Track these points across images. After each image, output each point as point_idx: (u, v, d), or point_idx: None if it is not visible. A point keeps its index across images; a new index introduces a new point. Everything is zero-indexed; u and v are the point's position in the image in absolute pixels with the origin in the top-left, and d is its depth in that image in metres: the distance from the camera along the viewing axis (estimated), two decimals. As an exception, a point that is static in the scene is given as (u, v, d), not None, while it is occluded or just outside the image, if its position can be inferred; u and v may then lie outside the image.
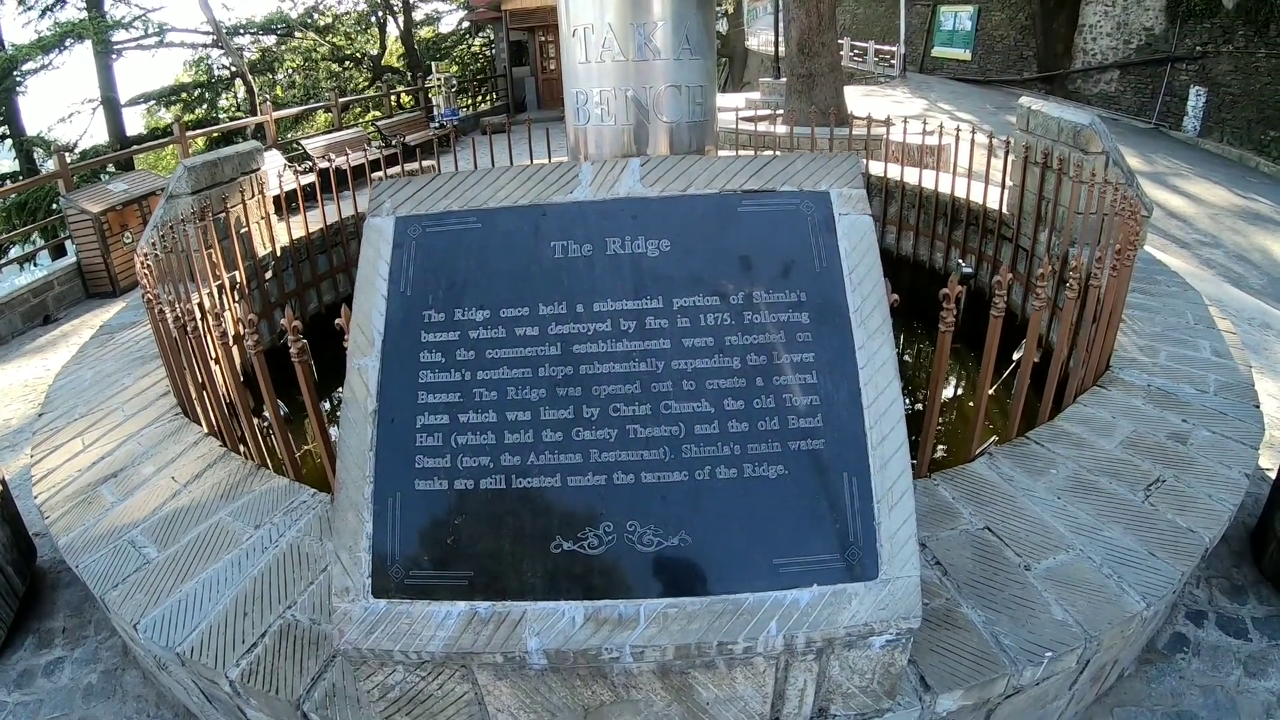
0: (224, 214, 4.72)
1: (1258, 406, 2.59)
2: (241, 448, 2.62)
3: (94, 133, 19.66)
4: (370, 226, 1.40)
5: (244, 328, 2.44)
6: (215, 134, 15.74)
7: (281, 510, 2.14)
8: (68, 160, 7.76)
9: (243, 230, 4.94)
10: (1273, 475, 2.70)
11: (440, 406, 1.29)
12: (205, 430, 2.74)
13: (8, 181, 17.45)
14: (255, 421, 2.53)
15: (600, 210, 1.44)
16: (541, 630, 1.16)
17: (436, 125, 13.53)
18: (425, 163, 6.91)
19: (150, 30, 19.28)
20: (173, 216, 4.41)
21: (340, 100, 13.61)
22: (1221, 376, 2.79)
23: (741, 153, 6.87)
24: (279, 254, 5.21)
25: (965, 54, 23.82)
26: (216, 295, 4.00)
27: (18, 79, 16.44)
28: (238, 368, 2.70)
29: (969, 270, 5.16)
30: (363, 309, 1.35)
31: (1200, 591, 2.44)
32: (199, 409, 2.80)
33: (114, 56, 18.83)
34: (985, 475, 2.10)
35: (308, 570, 1.89)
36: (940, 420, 4.38)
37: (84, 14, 18.57)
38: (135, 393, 3.23)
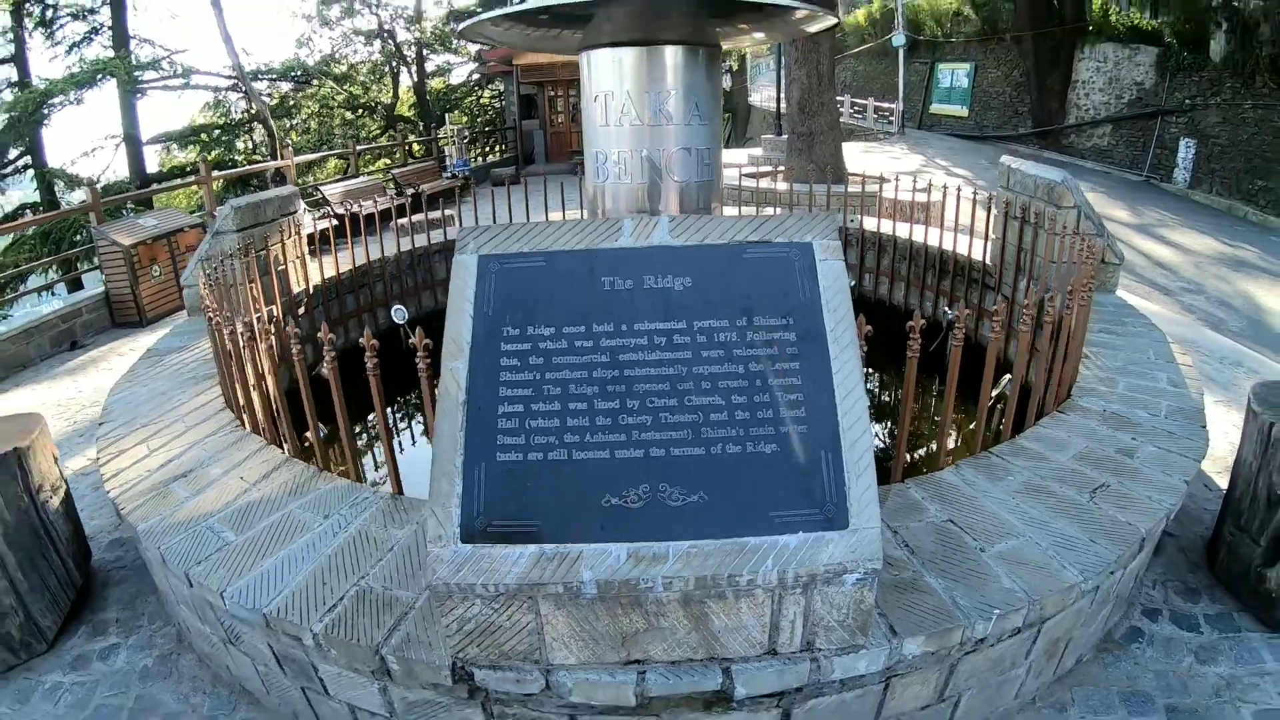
0: (265, 252, 5.19)
1: (1204, 427, 2.98)
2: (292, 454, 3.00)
3: (115, 168, 20.39)
4: (458, 263, 1.85)
5: (295, 346, 2.85)
6: (235, 176, 16.39)
7: (347, 504, 2.52)
8: (88, 195, 8.30)
9: (280, 268, 5.39)
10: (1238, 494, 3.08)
11: (517, 399, 1.71)
12: (266, 440, 3.12)
13: (28, 212, 18.05)
14: (311, 433, 2.93)
15: (639, 255, 1.90)
16: (594, 565, 1.55)
17: (449, 175, 14.16)
18: (447, 211, 7.41)
19: (177, 72, 20.11)
20: (218, 251, 4.88)
21: (357, 149, 14.27)
22: (1174, 403, 3.19)
23: (744, 208, 7.38)
24: (310, 292, 5.66)
25: (962, 110, 24.71)
26: (268, 321, 4.44)
27: (45, 112, 17.07)
28: (277, 388, 3.10)
29: (953, 315, 5.61)
30: (454, 325, 1.78)
31: (1156, 592, 2.80)
32: (256, 419, 3.19)
33: (138, 95, 19.64)
34: (951, 480, 2.49)
35: (376, 550, 2.26)
36: (921, 436, 4.77)
37: (109, 51, 19.44)
38: (192, 407, 3.60)
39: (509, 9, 3.45)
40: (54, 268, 14.33)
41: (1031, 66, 21.26)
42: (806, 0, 3.38)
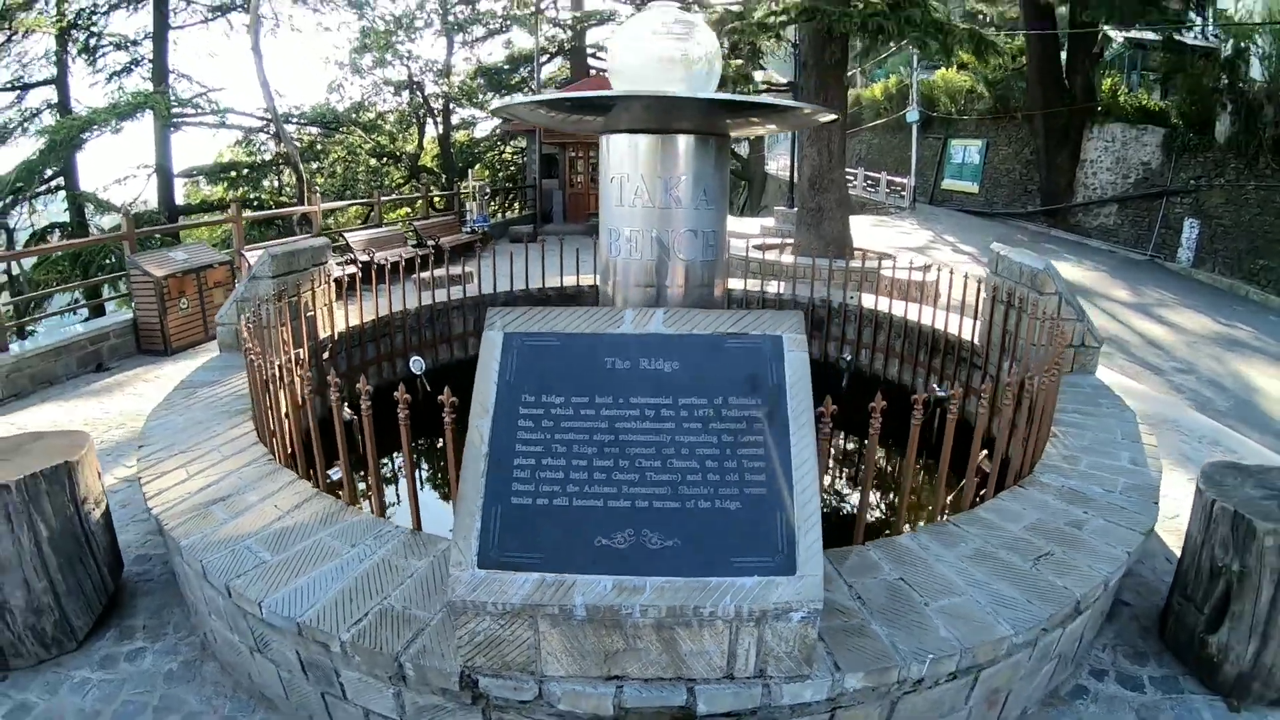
0: (296, 298, 5.64)
1: (1155, 503, 3.30)
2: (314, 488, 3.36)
3: (145, 196, 21.27)
4: (487, 337, 2.26)
5: (334, 395, 3.24)
6: (263, 218, 17.10)
7: (371, 535, 2.87)
8: (123, 224, 8.85)
9: (309, 314, 5.84)
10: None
11: (530, 454, 2.10)
12: (297, 475, 3.49)
13: (56, 233, 18.72)
14: (342, 469, 3.30)
15: (637, 341, 2.32)
16: (585, 592, 1.90)
17: (469, 230, 14.75)
18: (467, 269, 7.88)
19: (212, 109, 21.04)
20: (254, 295, 5.34)
21: (382, 199, 14.94)
22: (1131, 480, 3.51)
23: (751, 279, 7.82)
24: (335, 338, 6.10)
25: (973, 187, 25.42)
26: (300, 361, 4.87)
27: (84, 138, 17.91)
28: (314, 425, 3.49)
29: (944, 394, 5.98)
30: (481, 389, 2.18)
31: (1106, 655, 3.09)
32: (287, 453, 3.56)
33: (173, 129, 20.54)
34: (907, 544, 2.83)
35: (397, 576, 2.60)
36: (900, 503, 5.07)
37: (148, 82, 20.39)
38: (227, 439, 3.94)
39: (542, 98, 3.91)
40: (79, 290, 14.91)
41: (1041, 145, 21.89)
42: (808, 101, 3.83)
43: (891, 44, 12.43)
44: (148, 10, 20.81)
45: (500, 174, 26.95)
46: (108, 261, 16.05)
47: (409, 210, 20.43)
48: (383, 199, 15.09)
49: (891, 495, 5.37)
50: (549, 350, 2.28)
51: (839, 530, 3.61)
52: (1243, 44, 17.22)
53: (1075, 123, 20.97)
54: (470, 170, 22.48)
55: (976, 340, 5.84)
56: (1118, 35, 21.08)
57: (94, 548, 3.13)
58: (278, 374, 3.74)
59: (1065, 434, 4.10)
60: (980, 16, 29.83)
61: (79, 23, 20.20)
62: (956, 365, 6.01)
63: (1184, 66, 19.19)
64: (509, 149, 27.34)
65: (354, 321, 6.35)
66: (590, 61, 25.76)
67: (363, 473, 3.12)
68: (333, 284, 6.25)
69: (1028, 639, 2.38)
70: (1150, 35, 21.00)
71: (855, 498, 5.29)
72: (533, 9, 23.27)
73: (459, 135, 27.53)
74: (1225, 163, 16.80)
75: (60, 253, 16.74)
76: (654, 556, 1.96)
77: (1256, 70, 16.77)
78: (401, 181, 25.86)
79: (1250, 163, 16.08)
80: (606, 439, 2.14)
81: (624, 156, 3.63)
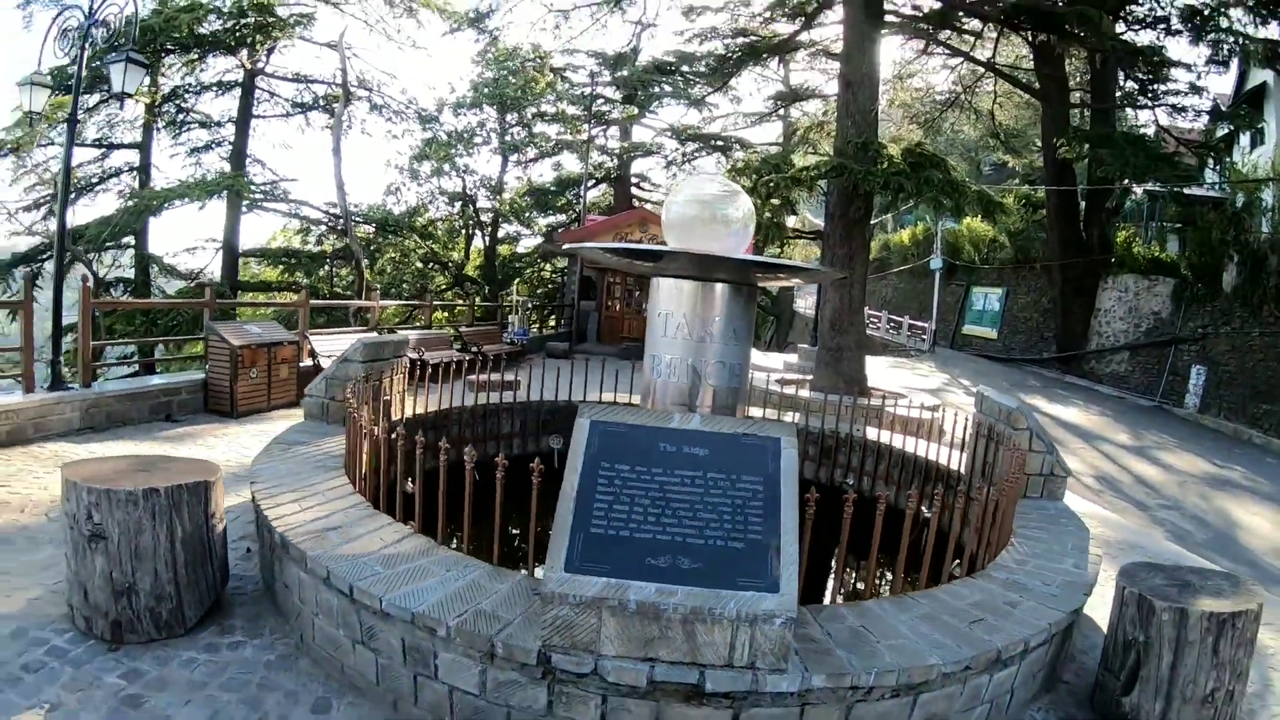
0: (379, 382, 6.79)
1: (1086, 595, 4.18)
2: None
3: (211, 269, 23.11)
4: (579, 423, 3.39)
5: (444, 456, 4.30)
6: (326, 305, 18.66)
7: (460, 566, 3.83)
8: (207, 294, 10.31)
9: (386, 397, 6.97)
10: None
11: (603, 501, 3.17)
12: (393, 518, 4.46)
13: (121, 287, 20.22)
14: (440, 519, 4.31)
15: (681, 433, 3.45)
16: (637, 593, 2.88)
17: (509, 340, 16.08)
18: (509, 376, 9.00)
19: (284, 196, 23.05)
20: (344, 374, 6.51)
21: (433, 302, 16.44)
22: (1069, 578, 4.37)
23: (769, 409, 8.80)
24: (403, 421, 7.20)
25: (992, 332, 26.66)
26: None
27: (163, 206, 19.79)
28: (400, 479, 4.52)
29: (929, 515, 6.91)
30: (573, 456, 3.28)
31: (1039, 715, 3.91)
32: (381, 501, 4.57)
33: (245, 211, 22.52)
34: (871, 606, 3.75)
35: (485, 592, 3.55)
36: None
37: (225, 162, 22.47)
38: (327, 487, 4.82)
39: (611, 245, 5.09)
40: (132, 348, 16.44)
41: (1059, 294, 23.07)
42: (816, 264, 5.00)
43: (910, 201, 13.94)
44: (235, 96, 23.33)
45: (539, 290, 28.66)
46: (173, 324, 17.59)
47: (448, 315, 21.98)
48: (435, 303, 16.58)
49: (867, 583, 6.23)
50: (620, 434, 3.41)
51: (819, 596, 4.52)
52: (1250, 197, 18.55)
53: (1091, 273, 22.21)
54: (514, 284, 24.15)
55: (963, 469, 6.81)
56: (1137, 188, 22.67)
57: (212, 555, 3.98)
58: (377, 434, 4.81)
59: (1022, 543, 5.00)
60: (1008, 166, 31.95)
61: (172, 97, 22.57)
62: (944, 491, 6.95)
63: (1194, 219, 20.50)
64: (549, 267, 29.13)
65: (420, 410, 7.46)
66: (634, 190, 27.82)
67: (466, 524, 4.09)
68: (404, 374, 7.43)
69: (954, 670, 3.28)
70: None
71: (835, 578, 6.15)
72: (585, 137, 25.65)
73: (503, 248, 29.49)
74: (1231, 311, 17.79)
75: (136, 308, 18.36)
76: (685, 574, 2.96)
77: (1263, 223, 18.01)
78: (444, 287, 27.68)
79: (1255, 311, 17.07)
80: (656, 495, 3.21)
81: (670, 296, 4.58)
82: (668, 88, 23.49)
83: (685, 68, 20.90)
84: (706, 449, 3.37)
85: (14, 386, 8.94)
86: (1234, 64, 20.61)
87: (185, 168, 23.59)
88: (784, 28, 17.35)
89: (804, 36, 17.32)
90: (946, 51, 23.51)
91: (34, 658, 3.54)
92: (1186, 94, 19.13)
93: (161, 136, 23.16)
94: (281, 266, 25.62)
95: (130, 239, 21.10)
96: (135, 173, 22.46)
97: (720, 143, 27.52)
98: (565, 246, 5.05)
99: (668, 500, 3.18)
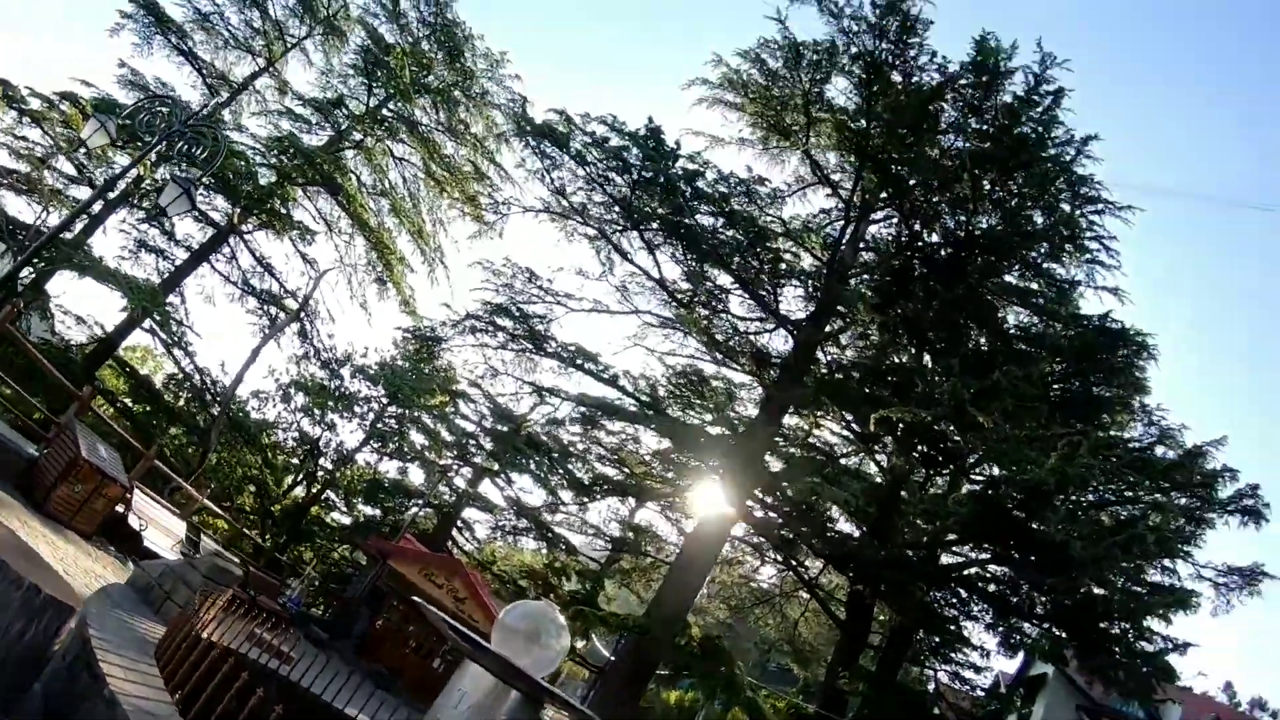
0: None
1: None
2: None
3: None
4: None
5: None
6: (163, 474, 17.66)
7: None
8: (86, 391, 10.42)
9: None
10: None
11: None
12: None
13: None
14: None
15: None
16: None
17: (281, 604, 15.42)
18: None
19: (185, 345, 22.82)
20: (183, 574, 6.82)
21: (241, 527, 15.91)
22: None
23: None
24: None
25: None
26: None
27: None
28: None
29: None
30: None
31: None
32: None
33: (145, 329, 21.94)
34: None
35: None
36: None
37: (158, 276, 22.20)
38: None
39: (451, 622, 6.00)
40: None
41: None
42: None
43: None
44: (205, 232, 23.58)
45: (324, 567, 27.21)
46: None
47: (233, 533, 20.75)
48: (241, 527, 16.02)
49: None
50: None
51: None
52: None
53: None
54: (307, 550, 23.21)
55: None
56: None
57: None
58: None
59: None
60: (793, 672, 32.74)
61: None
62: None
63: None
64: (343, 550, 28.05)
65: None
66: (455, 533, 28.15)
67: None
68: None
69: None
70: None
71: None
72: (444, 463, 26.67)
73: (315, 508, 28.32)
74: None
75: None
76: None
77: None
78: (250, 510, 26.31)
79: None
80: None
81: (473, 679, 5.32)
82: (533, 465, 24.67)
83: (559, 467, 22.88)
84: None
85: None
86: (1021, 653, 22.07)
87: (123, 249, 22.33)
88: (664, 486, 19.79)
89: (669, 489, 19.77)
90: (778, 561, 26.03)
91: None
92: (972, 669, 20.47)
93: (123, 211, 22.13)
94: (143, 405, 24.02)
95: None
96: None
97: (550, 535, 27.89)
98: (418, 601, 5.93)
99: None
